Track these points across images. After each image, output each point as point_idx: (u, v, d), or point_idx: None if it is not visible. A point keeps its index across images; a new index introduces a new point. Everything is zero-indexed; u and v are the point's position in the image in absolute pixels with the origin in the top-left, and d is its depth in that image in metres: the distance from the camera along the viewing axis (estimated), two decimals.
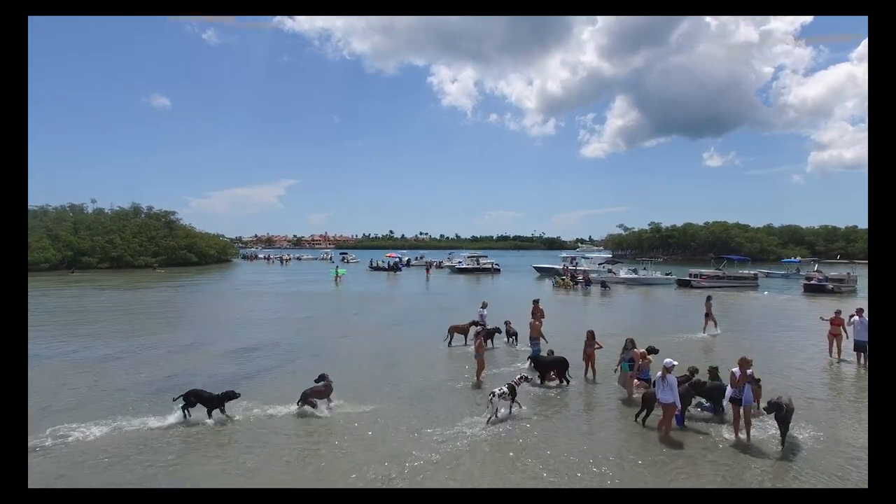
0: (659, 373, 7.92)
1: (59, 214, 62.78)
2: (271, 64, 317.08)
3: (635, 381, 10.36)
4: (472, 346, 11.68)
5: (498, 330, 15.26)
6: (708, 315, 17.15)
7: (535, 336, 13.13)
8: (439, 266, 65.55)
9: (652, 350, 11.10)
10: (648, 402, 8.41)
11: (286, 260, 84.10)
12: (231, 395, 8.74)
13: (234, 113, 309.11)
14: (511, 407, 8.90)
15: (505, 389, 8.80)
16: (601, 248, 66.68)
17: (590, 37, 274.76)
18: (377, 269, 59.56)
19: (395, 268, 57.99)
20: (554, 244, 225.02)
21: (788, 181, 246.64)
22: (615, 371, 10.54)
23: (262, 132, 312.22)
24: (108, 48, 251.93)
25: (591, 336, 11.60)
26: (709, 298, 17.62)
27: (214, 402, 8.58)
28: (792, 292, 34.52)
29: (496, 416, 8.57)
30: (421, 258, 76.47)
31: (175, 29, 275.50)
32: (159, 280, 42.24)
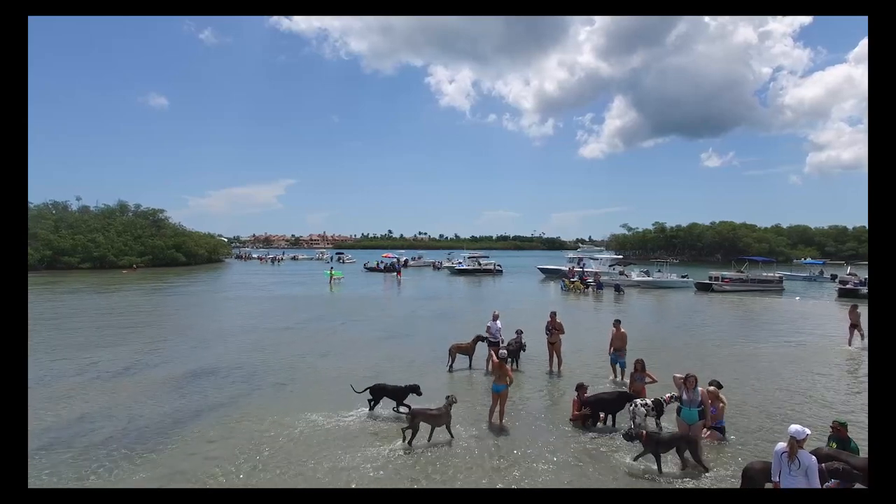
0: (781, 445, 5.07)
1: (39, 212, 59.50)
2: (269, 63, 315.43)
3: (706, 432, 7.54)
4: (489, 371, 8.86)
5: (523, 346, 12.33)
6: (856, 326, 15.03)
7: (621, 346, 11.05)
8: (438, 267, 62.77)
9: (717, 385, 8.27)
10: (754, 480, 5.55)
11: (279, 260, 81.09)
12: (414, 389, 8.79)
13: (232, 112, 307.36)
14: (659, 425, 7.93)
15: (650, 402, 7.84)
16: (602, 248, 63.75)
17: (586, 37, 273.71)
18: (373, 270, 56.65)
19: (391, 269, 55.01)
20: (554, 244, 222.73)
21: (787, 182, 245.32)
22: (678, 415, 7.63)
23: (260, 131, 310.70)
24: (105, 47, 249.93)
25: (640, 366, 8.76)
26: (855, 307, 15.34)
27: (400, 394, 8.77)
28: (824, 297, 31.71)
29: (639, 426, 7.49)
30: (419, 258, 73.56)
31: (171, 29, 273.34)
32: (130, 282, 39.22)
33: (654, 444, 6.73)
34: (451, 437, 7.68)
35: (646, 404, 7.93)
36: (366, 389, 8.93)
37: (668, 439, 6.82)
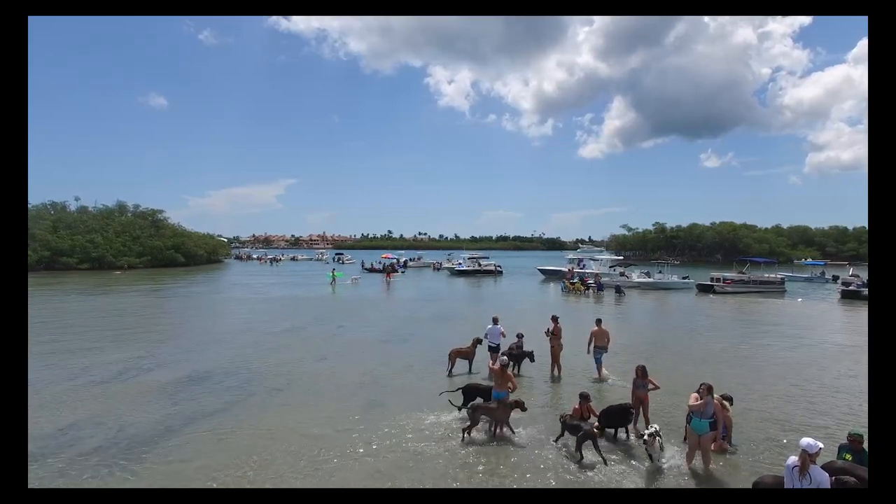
0: (792, 459, 4.86)
1: (37, 213, 59.30)
2: (269, 63, 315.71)
3: (714, 442, 7.31)
4: (489, 376, 8.66)
5: (530, 355, 11.91)
6: None
7: (601, 344, 11.39)
8: (437, 268, 62.57)
9: (727, 399, 8.05)
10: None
11: (278, 260, 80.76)
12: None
13: (232, 112, 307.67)
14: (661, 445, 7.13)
15: (655, 428, 7.24)
16: (602, 248, 63.59)
17: (585, 38, 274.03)
18: (371, 270, 56.41)
19: (390, 269, 54.75)
20: (554, 244, 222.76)
21: (787, 182, 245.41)
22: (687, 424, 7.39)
23: (260, 131, 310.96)
24: (105, 47, 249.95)
25: (641, 373, 8.52)
26: None
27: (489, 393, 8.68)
28: (827, 299, 31.50)
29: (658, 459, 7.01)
30: (418, 259, 73.35)
31: (171, 29, 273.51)
32: (123, 284, 39.00)
33: (565, 427, 7.50)
34: (512, 432, 8.03)
35: (652, 434, 7.11)
36: (458, 390, 9.16)
37: (573, 425, 7.39)
